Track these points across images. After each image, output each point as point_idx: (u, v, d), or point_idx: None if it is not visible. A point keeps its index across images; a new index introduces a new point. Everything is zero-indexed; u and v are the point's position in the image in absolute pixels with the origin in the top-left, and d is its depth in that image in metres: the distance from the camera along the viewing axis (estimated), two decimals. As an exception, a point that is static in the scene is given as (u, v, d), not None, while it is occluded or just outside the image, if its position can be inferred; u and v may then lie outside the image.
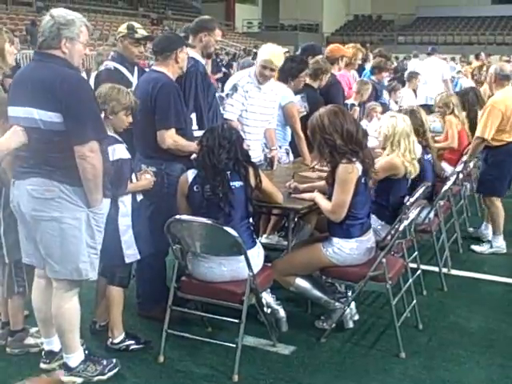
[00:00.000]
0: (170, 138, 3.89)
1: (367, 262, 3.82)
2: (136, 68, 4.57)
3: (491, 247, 5.83)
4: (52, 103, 3.00)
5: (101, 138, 3.14)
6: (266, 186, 3.71)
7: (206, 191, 3.50)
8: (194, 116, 4.26)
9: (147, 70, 4.66)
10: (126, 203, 3.62)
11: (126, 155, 3.63)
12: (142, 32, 4.55)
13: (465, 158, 5.85)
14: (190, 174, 3.60)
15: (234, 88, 4.79)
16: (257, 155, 4.87)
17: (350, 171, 3.65)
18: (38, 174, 3.13)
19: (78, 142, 3.03)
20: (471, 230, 6.37)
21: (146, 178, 3.81)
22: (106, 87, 3.61)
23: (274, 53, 4.84)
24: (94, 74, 5.21)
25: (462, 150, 6.29)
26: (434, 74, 11.89)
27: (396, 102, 8.12)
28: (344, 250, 3.77)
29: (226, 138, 3.53)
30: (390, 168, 4.27)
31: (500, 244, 5.81)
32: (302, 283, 3.95)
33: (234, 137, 3.58)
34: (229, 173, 3.52)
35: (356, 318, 4.20)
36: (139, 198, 3.74)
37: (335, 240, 3.79)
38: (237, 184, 3.53)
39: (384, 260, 3.71)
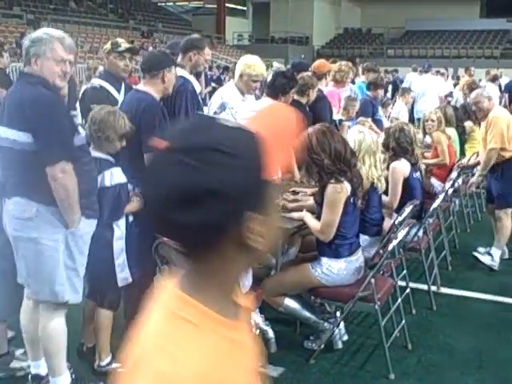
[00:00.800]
0: None
1: (356, 282, 3.81)
2: (123, 85, 4.56)
3: (492, 260, 5.83)
4: (23, 123, 3.00)
5: (70, 159, 3.06)
6: None
7: None
8: None
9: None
10: (121, 227, 3.59)
11: (123, 179, 3.59)
12: (125, 45, 4.56)
13: (454, 174, 5.87)
14: None
15: (222, 106, 4.79)
16: None
17: (339, 191, 3.64)
18: (17, 194, 3.12)
19: (48, 162, 3.00)
20: (482, 250, 6.09)
21: (138, 199, 3.73)
22: (102, 113, 3.53)
23: (259, 65, 4.90)
24: (84, 87, 5.22)
25: (451, 165, 6.32)
26: (431, 89, 12.11)
27: (388, 117, 8.14)
28: (333, 270, 3.76)
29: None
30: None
31: (497, 259, 5.84)
32: (290, 303, 3.93)
33: None
34: None
35: (345, 338, 4.18)
36: (130, 219, 3.71)
37: (324, 260, 3.78)
38: None
39: (373, 280, 3.70)
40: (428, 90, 12.20)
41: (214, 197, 0.94)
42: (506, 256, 6.05)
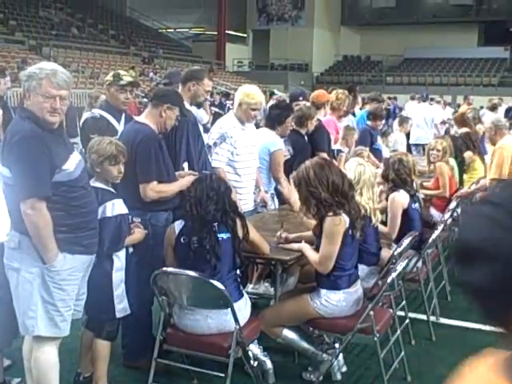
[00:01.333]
0: (151, 191, 3.89)
1: (355, 314, 3.79)
2: (123, 115, 4.60)
3: None
4: (4, 158, 3.09)
5: (42, 196, 3.08)
6: (253, 237, 3.69)
7: (193, 243, 3.48)
8: (186, 165, 4.28)
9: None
10: (121, 258, 3.61)
11: (125, 210, 3.63)
12: (127, 78, 4.60)
13: (453, 204, 5.89)
14: (177, 225, 3.59)
15: (222, 137, 4.83)
16: (249, 203, 4.92)
17: (337, 223, 3.65)
18: (10, 224, 3.21)
19: (20, 198, 3.06)
20: None
21: (139, 230, 3.78)
22: (92, 141, 3.66)
23: (257, 94, 4.98)
24: (85, 115, 5.25)
25: (450, 195, 6.34)
26: (428, 118, 12.31)
27: (387, 146, 8.17)
28: (331, 301, 3.75)
29: (214, 189, 3.52)
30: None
31: None
32: (289, 334, 3.91)
33: (222, 188, 3.57)
34: (216, 224, 3.50)
35: (344, 369, 4.15)
36: (130, 250, 3.72)
37: (323, 291, 3.77)
38: (224, 236, 3.51)
39: (372, 312, 3.69)
40: (426, 118, 12.37)
41: None
42: None
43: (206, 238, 3.45)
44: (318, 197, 3.68)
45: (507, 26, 38.85)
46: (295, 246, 3.97)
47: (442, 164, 6.43)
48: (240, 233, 3.57)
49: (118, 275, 3.58)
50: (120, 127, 4.44)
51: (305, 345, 3.97)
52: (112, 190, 3.63)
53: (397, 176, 4.88)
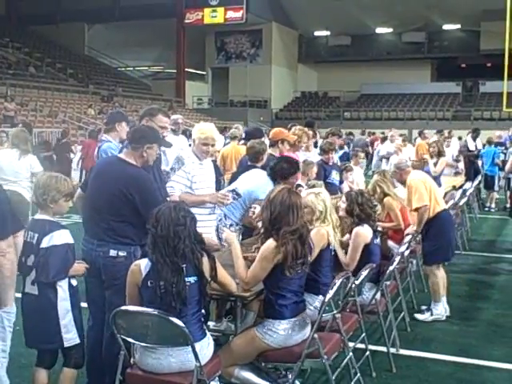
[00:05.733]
0: None
1: (303, 342, 3.81)
2: None
3: (431, 314, 6.17)
4: None
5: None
6: (221, 278, 3.63)
7: (161, 288, 3.36)
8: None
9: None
10: (63, 287, 3.68)
11: (71, 240, 3.71)
12: None
13: (408, 237, 6.00)
14: (143, 265, 3.46)
15: (179, 161, 5.03)
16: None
17: (272, 250, 3.72)
18: None
19: None
20: (421, 317, 6.22)
21: (80, 264, 3.85)
22: (44, 177, 3.75)
23: (211, 130, 5.15)
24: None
25: (405, 227, 6.45)
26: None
27: (352, 182, 8.22)
28: (277, 330, 3.75)
29: (180, 224, 3.38)
30: (322, 239, 4.36)
31: (441, 311, 6.19)
32: (243, 373, 3.86)
33: (188, 220, 3.42)
34: (184, 266, 3.39)
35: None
36: (74, 283, 3.78)
37: (268, 321, 3.78)
38: (192, 279, 3.42)
39: (316, 335, 3.73)
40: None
41: None
42: (448, 313, 6.25)
43: (174, 283, 3.35)
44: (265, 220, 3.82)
45: (458, 62, 40.22)
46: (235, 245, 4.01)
47: (389, 199, 6.53)
48: (207, 274, 3.51)
49: (63, 304, 3.65)
50: None
51: (261, 382, 3.90)
52: (58, 221, 3.73)
53: (361, 211, 4.97)
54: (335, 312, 4.00)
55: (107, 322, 3.79)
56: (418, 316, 6.17)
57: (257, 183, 5.45)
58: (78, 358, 3.79)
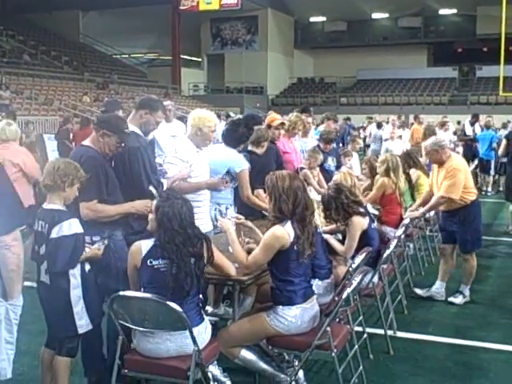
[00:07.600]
0: (87, 209, 3.88)
1: (312, 330, 3.82)
2: None
3: (464, 297, 6.29)
4: None
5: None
6: (217, 260, 3.66)
7: (161, 266, 3.42)
8: (153, 189, 4.29)
9: None
10: (76, 275, 3.65)
11: (81, 229, 3.66)
12: None
13: (406, 220, 6.02)
14: (144, 245, 3.50)
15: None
16: (208, 224, 4.93)
17: (278, 235, 3.72)
18: None
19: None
20: (420, 291, 6.40)
21: (94, 248, 3.80)
22: (62, 162, 3.70)
23: (215, 117, 5.07)
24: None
25: (399, 212, 6.44)
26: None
27: (350, 168, 8.23)
28: (288, 317, 3.77)
29: (176, 214, 3.44)
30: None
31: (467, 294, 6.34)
32: (247, 355, 3.89)
33: (184, 209, 3.49)
34: (188, 250, 3.45)
35: (304, 387, 4.17)
36: (87, 267, 3.75)
37: (279, 308, 3.80)
38: (191, 260, 3.47)
39: (328, 329, 3.73)
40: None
41: None
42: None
43: (183, 266, 3.41)
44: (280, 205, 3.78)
45: (454, 47, 40.13)
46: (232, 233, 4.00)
47: (385, 179, 6.47)
48: (205, 256, 3.54)
49: (76, 292, 3.63)
50: None
51: (263, 365, 3.93)
52: (66, 210, 3.66)
53: (343, 205, 4.87)
54: (352, 305, 4.09)
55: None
56: (453, 300, 6.22)
57: (227, 156, 5.42)
58: (72, 347, 3.72)
